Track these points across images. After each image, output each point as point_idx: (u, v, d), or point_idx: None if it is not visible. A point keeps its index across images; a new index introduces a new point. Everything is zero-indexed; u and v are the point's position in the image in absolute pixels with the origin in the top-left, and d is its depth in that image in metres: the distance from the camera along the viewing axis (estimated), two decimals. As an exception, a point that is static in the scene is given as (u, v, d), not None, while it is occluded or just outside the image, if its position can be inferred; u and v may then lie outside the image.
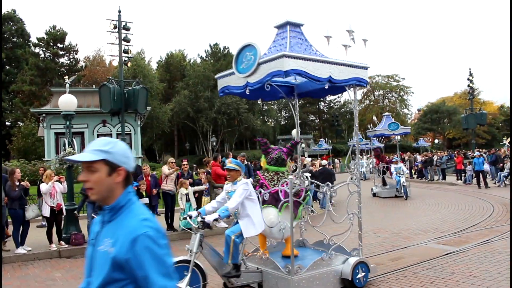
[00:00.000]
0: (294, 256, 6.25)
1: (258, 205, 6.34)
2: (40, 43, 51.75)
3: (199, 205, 11.59)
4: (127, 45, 17.94)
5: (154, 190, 11.69)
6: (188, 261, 5.67)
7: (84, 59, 58.60)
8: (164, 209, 12.36)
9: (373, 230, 11.65)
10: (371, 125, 21.74)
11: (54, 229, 10.20)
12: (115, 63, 18.85)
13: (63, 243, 10.24)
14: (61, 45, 51.83)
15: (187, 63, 61.30)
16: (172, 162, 12.20)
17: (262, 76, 5.95)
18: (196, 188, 12.14)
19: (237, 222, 6.34)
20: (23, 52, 52.51)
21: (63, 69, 51.56)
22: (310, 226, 6.97)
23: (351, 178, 6.76)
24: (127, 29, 17.91)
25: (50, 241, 10.11)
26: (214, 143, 50.56)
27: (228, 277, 6.11)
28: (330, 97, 75.34)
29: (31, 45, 54.83)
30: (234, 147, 61.27)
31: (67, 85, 11.91)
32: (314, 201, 16.46)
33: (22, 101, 48.18)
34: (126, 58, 17.95)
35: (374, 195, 20.42)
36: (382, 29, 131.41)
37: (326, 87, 6.97)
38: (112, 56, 17.54)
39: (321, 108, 78.97)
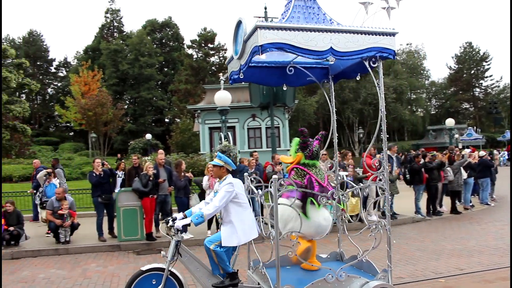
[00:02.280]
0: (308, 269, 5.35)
1: (247, 209, 5.35)
2: (193, 45, 55.46)
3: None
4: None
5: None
6: (163, 269, 5.08)
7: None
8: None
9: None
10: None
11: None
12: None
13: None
14: (211, 45, 54.97)
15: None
16: (324, 154, 12.07)
17: (247, 57, 4.95)
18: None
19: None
20: (179, 54, 56.91)
21: (213, 67, 54.68)
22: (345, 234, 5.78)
23: None
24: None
25: (209, 228, 10.70)
26: (361, 135, 49.50)
27: None
28: (487, 82, 69.16)
29: (185, 47, 59.04)
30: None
31: (221, 82, 12.45)
32: (473, 196, 15.21)
33: (179, 99, 52.11)
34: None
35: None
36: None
37: (331, 62, 5.93)
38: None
39: (476, 94, 72.57)
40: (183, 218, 5.13)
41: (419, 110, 67.65)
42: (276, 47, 4.59)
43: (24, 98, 41.51)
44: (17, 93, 26.33)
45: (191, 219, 5.04)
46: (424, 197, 12.86)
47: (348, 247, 5.92)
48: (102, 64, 58.80)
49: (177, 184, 10.62)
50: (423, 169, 12.68)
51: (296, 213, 5.15)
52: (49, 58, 70.44)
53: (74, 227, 10.20)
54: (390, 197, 12.05)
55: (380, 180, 5.21)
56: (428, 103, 71.24)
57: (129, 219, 10.34)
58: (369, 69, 5.02)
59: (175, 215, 5.30)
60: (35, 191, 13.04)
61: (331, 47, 4.68)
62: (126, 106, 54.99)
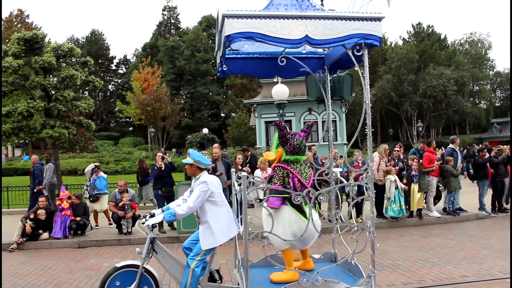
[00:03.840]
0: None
1: (223, 208, 5.13)
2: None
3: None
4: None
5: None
6: (138, 266, 5.01)
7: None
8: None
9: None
10: None
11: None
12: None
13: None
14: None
15: (388, 47, 59.44)
16: (386, 149, 11.83)
17: (222, 48, 4.65)
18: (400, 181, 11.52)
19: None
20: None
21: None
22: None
23: None
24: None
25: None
26: (420, 129, 48.07)
27: None
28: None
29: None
30: (441, 132, 57.57)
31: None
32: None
33: (235, 94, 52.61)
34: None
35: None
36: None
37: (304, 51, 5.47)
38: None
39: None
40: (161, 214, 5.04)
41: (482, 102, 64.81)
42: (245, 36, 4.29)
43: (86, 94, 43.42)
44: (81, 90, 27.45)
45: (163, 216, 4.93)
46: (489, 193, 12.34)
47: (344, 247, 5.50)
48: (159, 61, 60.31)
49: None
50: (488, 164, 12.16)
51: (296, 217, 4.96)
52: (109, 56, 73.04)
53: (135, 218, 10.51)
54: (453, 192, 11.66)
55: (363, 178, 4.82)
56: (492, 95, 67.99)
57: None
58: (353, 58, 4.63)
59: (153, 211, 5.20)
60: (40, 187, 13.48)
61: (306, 35, 4.31)
62: (183, 101, 56.06)
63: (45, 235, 10.14)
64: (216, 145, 12.07)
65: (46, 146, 41.54)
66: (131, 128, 68.28)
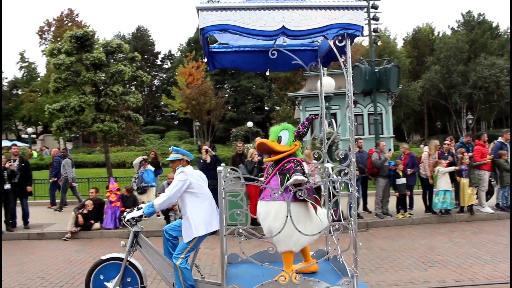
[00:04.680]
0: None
1: (205, 201, 5.08)
2: (294, 32, 55.19)
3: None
4: (376, 24, 17.76)
5: (409, 170, 11.21)
6: (122, 259, 5.14)
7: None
8: (421, 189, 11.82)
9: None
10: None
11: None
12: (365, 43, 18.86)
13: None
14: (311, 32, 54.42)
15: (436, 37, 57.74)
16: (437, 145, 11.55)
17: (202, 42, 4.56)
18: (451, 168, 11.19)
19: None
20: (278, 42, 57.20)
21: (313, 54, 54.18)
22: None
23: None
24: (375, 7, 17.72)
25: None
26: (469, 121, 46.51)
27: None
28: None
29: (285, 34, 59.14)
30: (493, 125, 55.52)
31: (325, 68, 12.32)
32: None
33: (279, 87, 52.48)
34: (376, 37, 17.78)
35: None
36: None
37: (284, 43, 5.17)
38: (362, 36, 17.60)
39: None
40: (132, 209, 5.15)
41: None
42: (219, 29, 4.19)
43: (133, 89, 44.49)
44: (127, 85, 28.15)
45: (143, 210, 5.04)
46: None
47: (342, 245, 5.07)
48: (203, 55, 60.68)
49: (281, 171, 10.71)
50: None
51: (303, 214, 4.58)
52: (155, 51, 74.26)
53: (182, 210, 10.70)
54: (506, 188, 11.21)
55: (345, 174, 4.47)
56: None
57: (234, 205, 10.61)
58: (334, 49, 4.39)
59: (141, 205, 5.31)
60: (56, 179, 13.91)
61: (283, 26, 4.14)
62: (227, 95, 56.42)
63: (97, 225, 10.55)
64: (258, 139, 12.12)
65: (95, 139, 42.85)
66: (176, 122, 69.25)
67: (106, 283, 5.15)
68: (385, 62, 15.88)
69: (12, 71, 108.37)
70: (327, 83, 11.49)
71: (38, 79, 52.40)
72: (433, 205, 11.03)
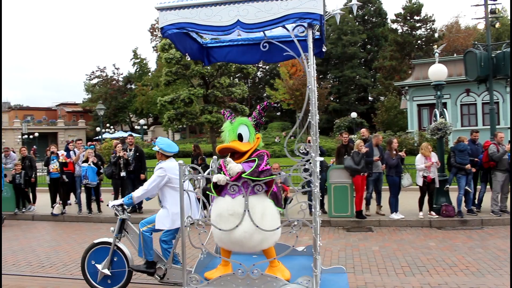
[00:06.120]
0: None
1: (185, 194, 4.70)
2: (398, 19, 53.20)
3: None
4: (494, 4, 16.54)
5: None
6: (110, 243, 5.63)
7: (443, 28, 57.05)
8: None
9: None
10: None
11: (426, 198, 10.38)
12: (481, 26, 17.65)
13: (433, 213, 10.28)
14: (418, 18, 52.05)
15: None
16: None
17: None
18: None
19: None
20: (382, 30, 55.37)
21: (419, 41, 51.82)
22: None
23: None
24: (493, -15, 16.51)
25: (420, 209, 10.35)
26: None
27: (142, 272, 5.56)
28: None
29: (389, 22, 57.12)
30: None
31: (436, 54, 11.75)
32: None
33: (384, 77, 50.92)
34: (494, 19, 16.54)
35: None
36: None
37: (239, 36, 5.26)
38: (477, 19, 16.46)
39: None
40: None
41: None
42: (178, 27, 4.31)
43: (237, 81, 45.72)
44: (231, 77, 29.02)
45: (123, 200, 5.47)
46: None
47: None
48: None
49: (388, 162, 10.43)
50: None
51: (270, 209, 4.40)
52: (258, 43, 75.53)
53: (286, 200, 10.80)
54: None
55: (305, 170, 4.13)
56: None
57: (339, 196, 10.55)
58: (295, 40, 4.19)
59: (132, 193, 5.61)
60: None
61: (238, 20, 4.11)
62: (330, 85, 55.87)
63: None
64: (363, 130, 11.96)
65: (201, 130, 44.66)
66: (278, 113, 70.04)
67: (96, 265, 5.70)
68: (504, 46, 14.69)
69: (126, 67, 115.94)
70: (439, 71, 10.88)
71: (149, 74, 55.59)
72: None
